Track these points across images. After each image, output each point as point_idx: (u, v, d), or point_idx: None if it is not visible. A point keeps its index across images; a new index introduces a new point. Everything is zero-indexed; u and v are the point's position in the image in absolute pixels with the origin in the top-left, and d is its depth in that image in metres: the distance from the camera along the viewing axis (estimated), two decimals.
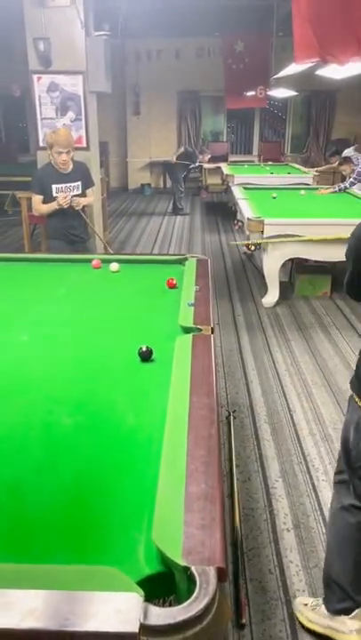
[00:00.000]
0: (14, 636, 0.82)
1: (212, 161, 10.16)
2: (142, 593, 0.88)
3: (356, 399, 1.63)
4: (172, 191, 10.23)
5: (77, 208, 3.73)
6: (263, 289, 5.10)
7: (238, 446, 2.83)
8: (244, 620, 1.84)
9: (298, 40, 2.74)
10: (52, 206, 3.70)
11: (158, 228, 8.61)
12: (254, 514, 2.35)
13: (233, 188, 6.70)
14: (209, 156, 9.92)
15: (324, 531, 2.24)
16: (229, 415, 3.06)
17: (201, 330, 2.04)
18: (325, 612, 1.77)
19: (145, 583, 0.95)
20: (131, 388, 1.71)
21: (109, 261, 3.13)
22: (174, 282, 2.71)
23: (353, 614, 1.73)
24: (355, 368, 1.68)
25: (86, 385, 1.74)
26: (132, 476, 1.26)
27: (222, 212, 9.59)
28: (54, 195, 3.71)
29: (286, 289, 5.20)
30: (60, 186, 3.72)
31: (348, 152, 7.33)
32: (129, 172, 12.43)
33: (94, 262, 3.08)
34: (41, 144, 5.67)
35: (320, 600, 1.81)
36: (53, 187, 3.71)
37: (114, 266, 3.02)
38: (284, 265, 4.98)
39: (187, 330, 2.07)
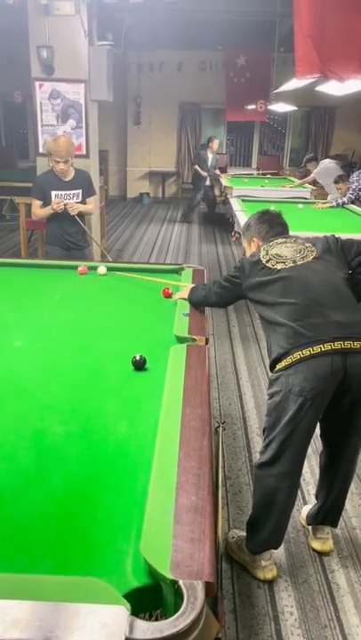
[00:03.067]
0: None
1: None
2: (129, 606, 0.87)
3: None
4: (175, 200, 10.30)
5: (72, 213, 3.72)
6: None
7: (230, 458, 2.82)
8: (219, 635, 1.81)
9: (299, 55, 2.77)
10: (48, 210, 3.71)
11: (155, 237, 8.63)
12: (244, 527, 2.33)
13: (231, 200, 6.73)
14: (217, 141, 9.70)
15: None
16: (219, 426, 3.04)
17: (195, 340, 2.03)
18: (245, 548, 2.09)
19: (132, 596, 0.94)
20: (124, 396, 1.70)
21: (116, 270, 3.13)
22: (170, 291, 2.71)
23: (265, 555, 2.06)
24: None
25: (79, 393, 1.73)
26: (121, 487, 1.25)
27: (220, 223, 9.62)
28: (53, 200, 3.71)
29: None
30: (59, 192, 3.72)
31: (322, 164, 7.38)
32: (128, 181, 12.47)
33: (80, 268, 3.08)
34: (41, 150, 5.68)
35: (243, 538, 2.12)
36: (53, 193, 3.71)
37: (101, 269, 3.04)
38: None
39: (181, 340, 2.07)
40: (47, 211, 3.72)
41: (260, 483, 1.98)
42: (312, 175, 7.78)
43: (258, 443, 2.98)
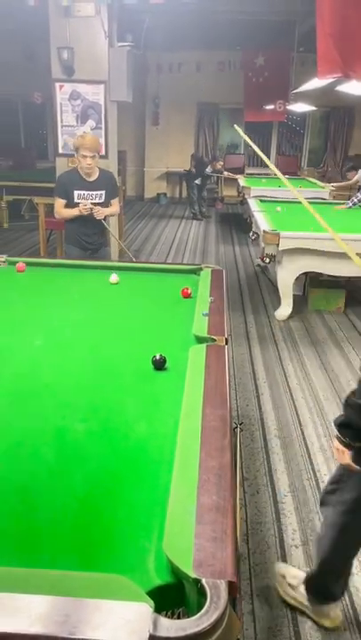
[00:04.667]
0: None
1: (230, 172, 10.32)
2: (152, 603, 0.87)
3: None
4: (188, 199, 10.67)
5: (98, 218, 3.73)
6: (276, 302, 5.09)
7: (248, 459, 2.81)
8: (238, 636, 1.81)
9: (321, 55, 2.76)
10: (73, 212, 3.70)
11: (173, 237, 8.64)
12: (262, 528, 2.33)
13: (249, 201, 6.71)
14: (221, 163, 10.11)
15: None
16: (237, 427, 3.03)
17: (215, 340, 2.03)
18: (304, 593, 1.90)
19: (154, 594, 0.94)
20: (143, 396, 1.71)
21: (125, 269, 3.14)
22: (189, 291, 2.71)
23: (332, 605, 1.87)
24: None
25: (99, 391, 1.74)
26: (142, 485, 1.26)
27: (237, 223, 9.61)
28: (75, 200, 3.71)
29: (300, 303, 5.19)
30: (82, 192, 3.72)
31: None
32: (146, 182, 12.51)
33: (18, 265, 3.08)
34: (60, 151, 5.74)
35: (301, 581, 1.93)
36: (75, 192, 3.70)
37: (113, 278, 2.92)
38: (298, 278, 4.97)
39: (201, 340, 2.07)
40: (73, 212, 3.70)
41: (342, 529, 1.77)
42: (355, 179, 7.71)
43: (276, 444, 2.97)
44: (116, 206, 3.96)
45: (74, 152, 3.74)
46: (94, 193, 3.75)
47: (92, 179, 3.73)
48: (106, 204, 3.81)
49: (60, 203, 3.76)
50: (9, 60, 10.33)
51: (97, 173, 3.76)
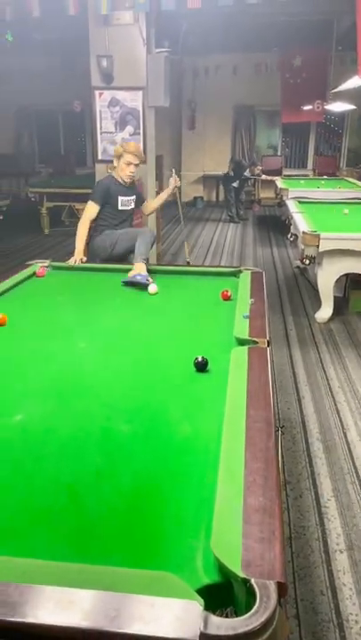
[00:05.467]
0: (76, 634, 0.84)
1: (267, 174, 10.32)
2: (202, 601, 0.88)
3: None
4: (225, 202, 10.76)
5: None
6: (316, 304, 5.02)
7: (290, 462, 2.79)
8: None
9: None
10: (80, 241, 3.66)
11: (210, 240, 8.65)
12: (305, 532, 2.30)
13: (288, 202, 6.66)
14: (260, 167, 10.19)
15: None
16: (278, 430, 3.01)
17: (257, 342, 2.03)
18: None
19: (202, 592, 0.95)
20: (186, 397, 1.72)
21: (165, 272, 3.17)
22: (229, 294, 2.71)
23: None
24: None
25: (142, 393, 1.76)
26: (188, 485, 1.26)
27: (275, 225, 9.54)
28: (120, 208, 3.73)
29: (341, 304, 5.10)
30: (124, 198, 3.77)
31: None
32: (182, 186, 12.57)
33: (38, 270, 3.12)
34: (100, 157, 5.83)
35: None
36: (119, 198, 3.74)
37: (152, 288, 2.86)
38: (338, 280, 4.90)
39: (242, 342, 2.07)
40: (82, 239, 3.67)
41: None
42: None
43: (318, 448, 2.93)
44: (157, 198, 4.32)
45: (114, 159, 3.76)
46: (131, 198, 3.83)
47: (128, 185, 3.78)
48: (135, 210, 3.93)
49: (94, 207, 3.72)
50: (49, 71, 10.57)
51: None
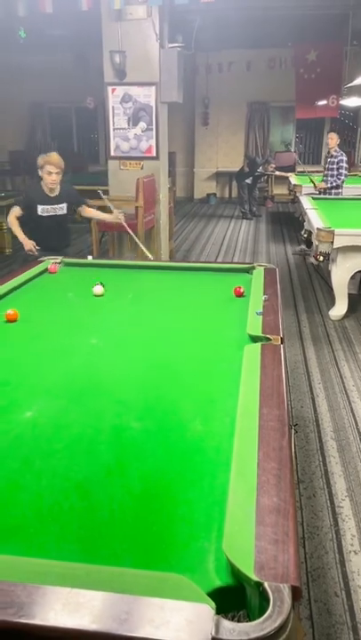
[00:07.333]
0: (85, 637, 0.82)
1: (280, 171, 10.27)
2: (214, 605, 0.86)
3: None
4: (238, 199, 10.71)
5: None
6: (330, 301, 4.97)
7: (303, 461, 2.75)
8: None
9: None
10: (19, 232, 3.92)
11: (223, 237, 8.61)
12: (319, 532, 2.27)
13: (301, 198, 6.60)
14: (273, 165, 10.15)
15: None
16: (291, 428, 2.98)
17: (270, 339, 1.99)
18: None
19: (214, 595, 0.92)
20: (198, 395, 1.70)
21: (178, 269, 3.14)
22: (242, 290, 2.68)
23: None
24: None
25: (154, 390, 1.74)
26: (200, 484, 1.24)
27: (288, 222, 9.46)
28: (39, 214, 3.94)
29: (355, 302, 5.04)
30: (45, 207, 3.96)
31: None
32: (195, 182, 12.54)
33: (50, 267, 3.15)
34: (112, 153, 5.82)
35: None
36: (39, 207, 3.94)
37: (97, 289, 2.69)
38: (353, 277, 4.84)
39: (255, 339, 2.04)
40: (18, 231, 3.93)
41: None
42: None
43: (332, 446, 2.89)
44: (96, 211, 4.39)
45: (38, 170, 3.94)
46: (57, 207, 4.01)
47: (54, 194, 3.98)
48: (67, 216, 4.09)
49: (17, 210, 3.97)
50: (62, 67, 10.59)
51: (59, 189, 3.98)
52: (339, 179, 7.03)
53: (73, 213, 4.23)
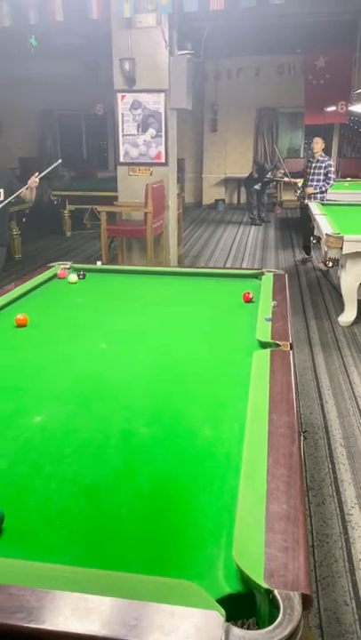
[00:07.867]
0: None
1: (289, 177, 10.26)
2: (223, 612, 0.85)
3: None
4: (246, 205, 10.75)
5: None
6: (339, 307, 4.95)
7: (312, 468, 2.74)
8: None
9: None
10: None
11: (231, 243, 8.61)
12: (328, 540, 2.25)
13: (311, 204, 6.59)
14: (283, 171, 10.14)
15: None
16: (300, 435, 2.96)
17: (279, 345, 1.99)
18: None
19: (224, 602, 0.92)
20: (207, 400, 1.69)
21: (186, 274, 3.15)
22: (251, 296, 2.67)
23: None
24: None
25: (162, 396, 1.74)
26: (209, 490, 1.23)
27: (297, 228, 9.45)
28: None
29: None
30: None
31: None
32: (204, 188, 12.56)
33: (59, 272, 3.14)
34: (122, 159, 5.85)
35: None
36: None
37: (73, 277, 3.01)
38: None
39: (264, 345, 2.03)
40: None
41: None
42: None
43: (341, 453, 2.87)
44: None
45: None
46: None
47: None
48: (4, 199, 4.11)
49: None
50: (73, 74, 10.67)
51: None
52: (328, 183, 6.97)
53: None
